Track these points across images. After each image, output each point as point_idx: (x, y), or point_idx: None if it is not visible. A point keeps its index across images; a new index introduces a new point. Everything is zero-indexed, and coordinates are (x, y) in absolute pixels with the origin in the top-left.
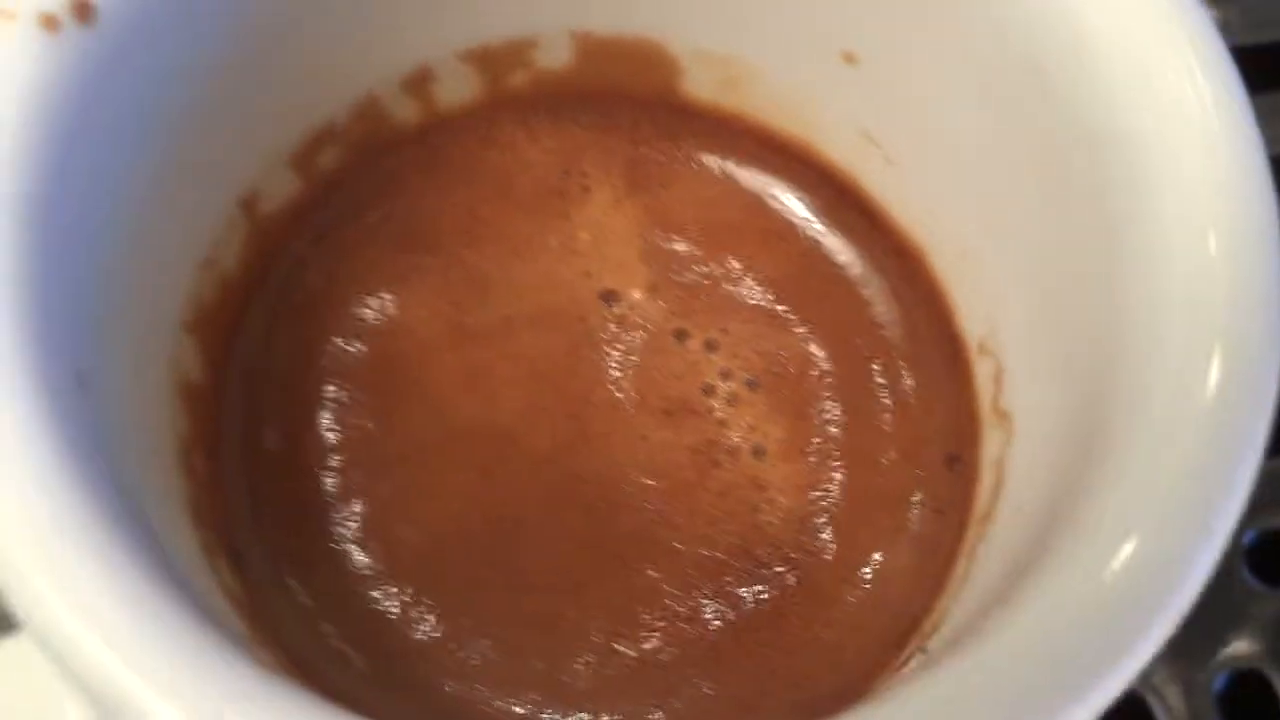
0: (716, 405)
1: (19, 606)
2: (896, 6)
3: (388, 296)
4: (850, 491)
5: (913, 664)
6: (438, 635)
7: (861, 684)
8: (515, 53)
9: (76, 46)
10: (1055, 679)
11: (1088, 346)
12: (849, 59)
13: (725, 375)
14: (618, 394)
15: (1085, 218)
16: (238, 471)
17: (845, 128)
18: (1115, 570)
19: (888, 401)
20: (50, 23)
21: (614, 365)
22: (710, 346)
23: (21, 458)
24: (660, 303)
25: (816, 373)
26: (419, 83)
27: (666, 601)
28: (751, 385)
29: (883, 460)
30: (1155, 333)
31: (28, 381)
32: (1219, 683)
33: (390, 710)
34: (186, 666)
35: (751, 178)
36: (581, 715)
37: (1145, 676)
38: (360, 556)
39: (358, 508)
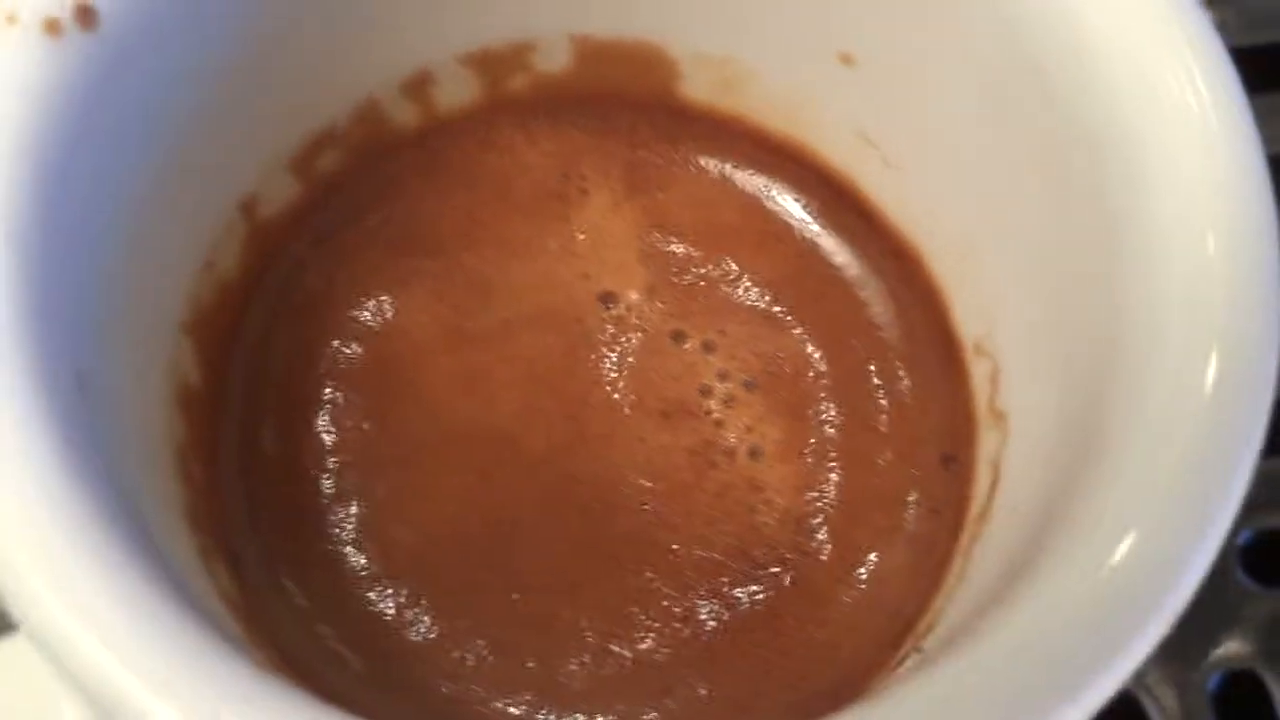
0: (713, 406)
1: (16, 606)
2: (893, 8)
3: (386, 299)
4: (846, 492)
5: (908, 664)
6: (434, 636)
7: (857, 684)
8: (514, 56)
9: (79, 51)
10: (1050, 678)
11: (1085, 346)
12: (846, 60)
13: (722, 376)
14: (615, 395)
15: (1084, 218)
16: (235, 474)
17: (843, 129)
18: (1111, 569)
19: (884, 402)
20: (53, 27)
21: (611, 367)
22: (708, 348)
23: (21, 458)
24: (658, 304)
25: (813, 374)
26: (418, 86)
27: (662, 602)
28: (748, 386)
29: (879, 460)
30: (1153, 332)
31: (27, 382)
32: (1213, 683)
33: (386, 711)
34: (183, 667)
35: (749, 180)
36: (577, 716)
37: (1139, 676)
38: (357, 558)
39: (354, 509)
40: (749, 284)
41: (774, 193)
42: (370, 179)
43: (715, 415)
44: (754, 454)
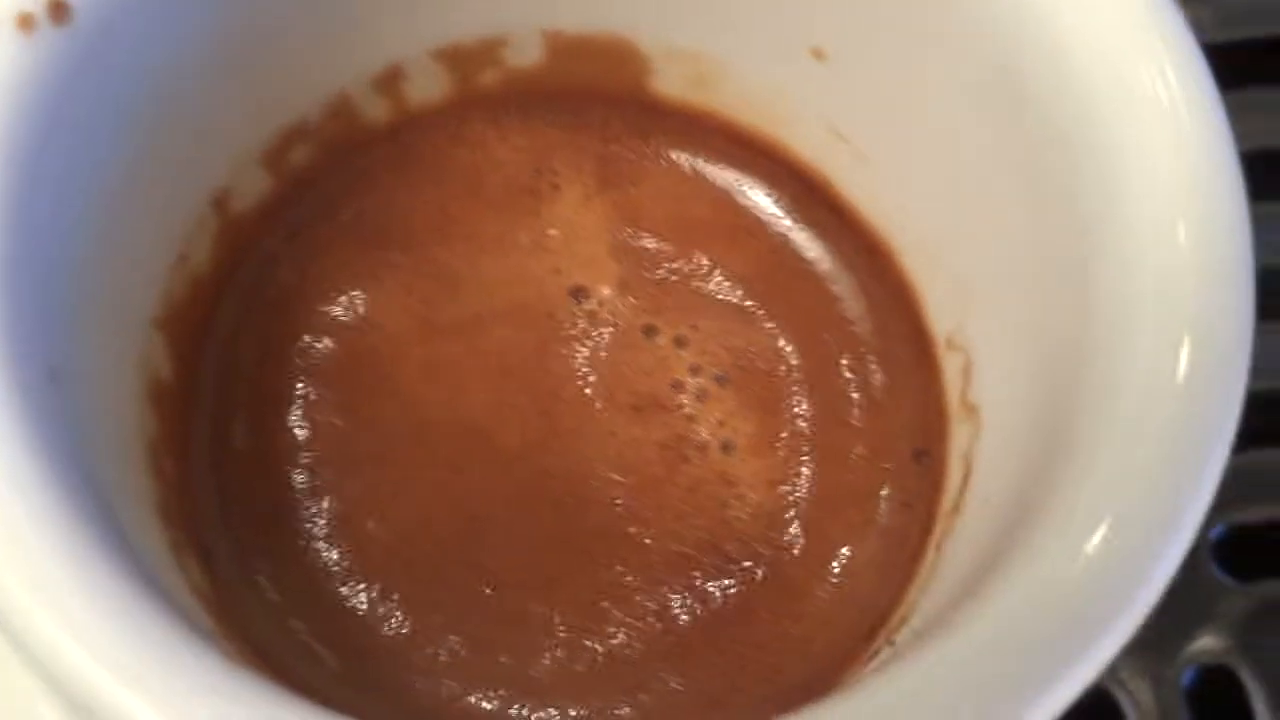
0: (686, 401)
1: None
2: (865, 4)
3: (358, 294)
4: (819, 486)
5: (882, 657)
6: (407, 631)
7: (831, 677)
8: (486, 51)
9: (51, 46)
10: (1022, 671)
11: (1058, 339)
12: (818, 56)
13: (694, 371)
14: (587, 390)
15: (1056, 212)
16: (207, 469)
17: (815, 124)
18: (1083, 562)
19: (856, 396)
20: (26, 22)
21: (583, 362)
22: (679, 342)
23: None
24: (630, 299)
25: (785, 368)
26: (390, 81)
27: (635, 597)
28: (720, 381)
29: (851, 455)
30: (1125, 325)
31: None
32: (1187, 678)
33: (359, 706)
34: (155, 660)
35: (721, 174)
36: (550, 711)
37: (1113, 671)
38: (329, 553)
39: (327, 505)
40: (721, 279)
41: (746, 188)
42: (342, 174)
43: (687, 410)
44: (726, 448)
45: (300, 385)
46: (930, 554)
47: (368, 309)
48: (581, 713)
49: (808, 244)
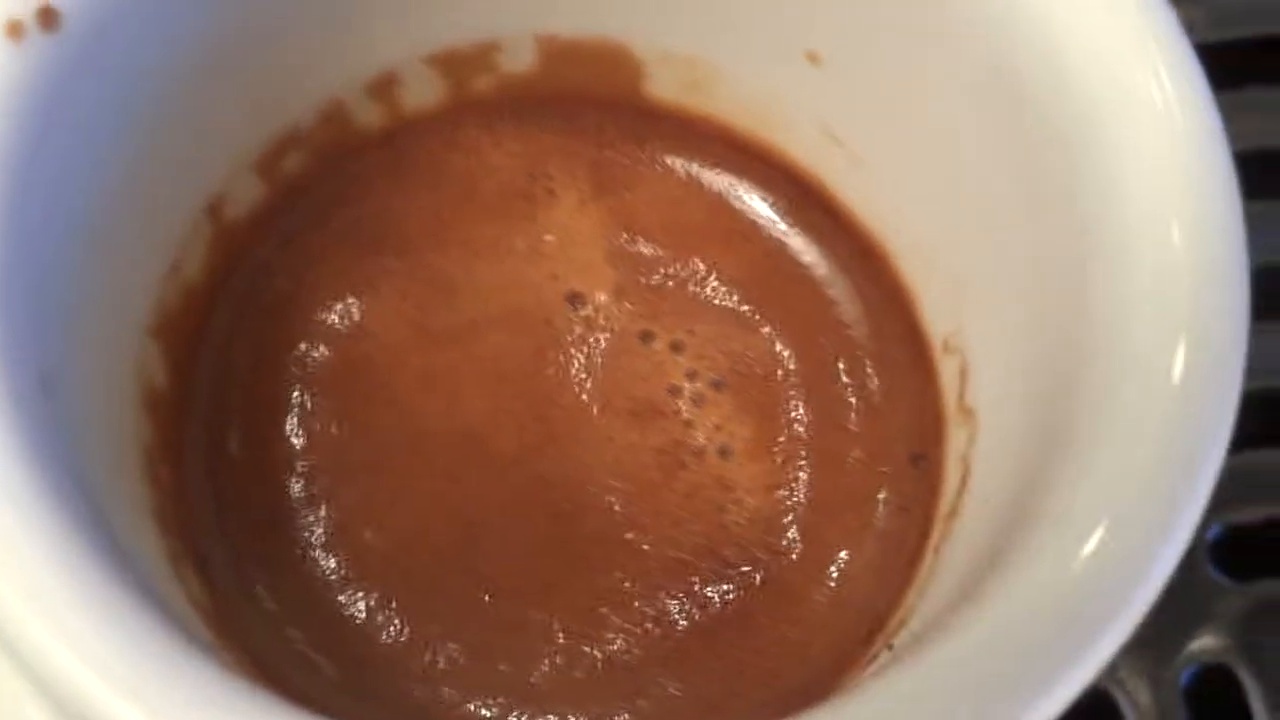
0: (682, 406)
1: None
2: (861, 7)
3: (353, 301)
4: (816, 490)
5: (880, 660)
6: (405, 639)
7: (829, 681)
8: (479, 56)
9: (41, 53)
10: (1019, 673)
11: (1054, 341)
12: (813, 59)
13: (691, 376)
14: (583, 396)
15: (1051, 214)
16: (203, 478)
17: (809, 128)
18: (1080, 563)
19: (853, 400)
20: (15, 29)
21: (580, 368)
22: (676, 348)
23: None
24: (626, 304)
25: (782, 372)
26: (383, 87)
27: (633, 603)
28: (717, 386)
29: (848, 459)
30: (1121, 326)
31: None
32: (1185, 677)
33: (357, 714)
34: (149, 670)
35: (716, 179)
36: (549, 717)
37: (1112, 671)
38: (327, 561)
39: (324, 513)
40: (717, 283)
41: (741, 192)
42: (336, 180)
43: (684, 415)
44: (723, 453)
45: (296, 392)
46: (928, 557)
47: (363, 316)
48: (580, 719)
49: (804, 248)
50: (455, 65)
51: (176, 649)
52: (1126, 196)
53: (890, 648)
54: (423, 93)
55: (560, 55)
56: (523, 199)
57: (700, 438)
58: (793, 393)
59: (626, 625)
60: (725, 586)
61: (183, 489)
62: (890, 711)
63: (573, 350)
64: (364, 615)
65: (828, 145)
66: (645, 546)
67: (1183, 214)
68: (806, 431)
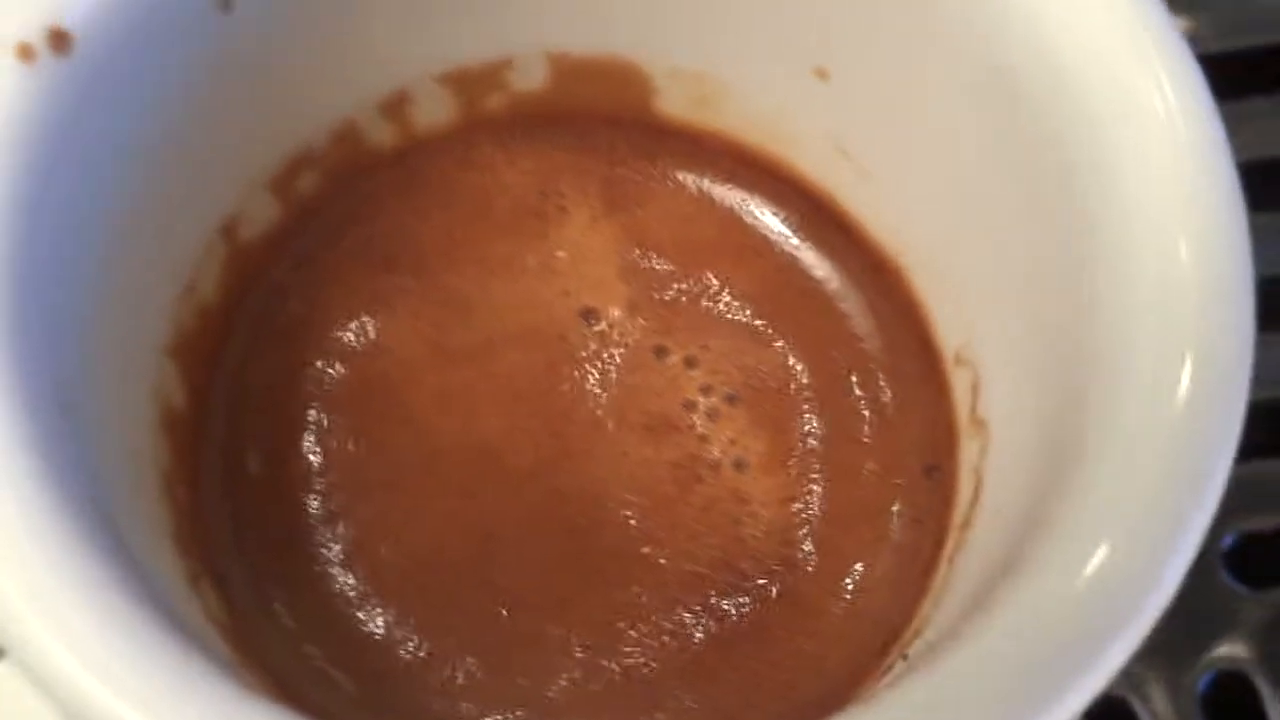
0: (697, 420)
1: (1, 630)
2: (867, 22)
3: (368, 320)
4: (831, 503)
5: (896, 670)
6: (423, 655)
7: (845, 693)
8: (491, 75)
9: (52, 76)
10: (1030, 683)
11: (1063, 353)
12: (821, 74)
13: (705, 390)
14: (598, 411)
15: (1058, 228)
16: (220, 497)
17: (819, 143)
18: (1089, 575)
19: (866, 413)
20: (26, 52)
21: (594, 383)
22: (690, 363)
23: (3, 482)
24: (640, 320)
25: (795, 386)
26: (396, 106)
27: (650, 616)
28: (731, 400)
29: (862, 471)
30: (1128, 339)
31: (9, 405)
32: (1203, 685)
33: None
34: (167, 688)
35: (727, 194)
36: None
37: (1129, 678)
38: (345, 578)
39: (341, 530)
40: (730, 298)
41: (752, 207)
42: (349, 200)
43: (699, 429)
44: (738, 467)
45: (312, 411)
46: (942, 568)
47: (378, 334)
48: None
49: (815, 262)
50: (467, 84)
51: (194, 667)
52: (1130, 207)
53: (905, 658)
54: (435, 111)
55: (571, 73)
56: (535, 216)
57: (715, 452)
58: (806, 406)
59: (643, 639)
60: (741, 599)
61: (200, 509)
62: None
63: (587, 366)
64: (382, 631)
65: (837, 159)
66: (661, 560)
67: (1188, 227)
68: (820, 444)
